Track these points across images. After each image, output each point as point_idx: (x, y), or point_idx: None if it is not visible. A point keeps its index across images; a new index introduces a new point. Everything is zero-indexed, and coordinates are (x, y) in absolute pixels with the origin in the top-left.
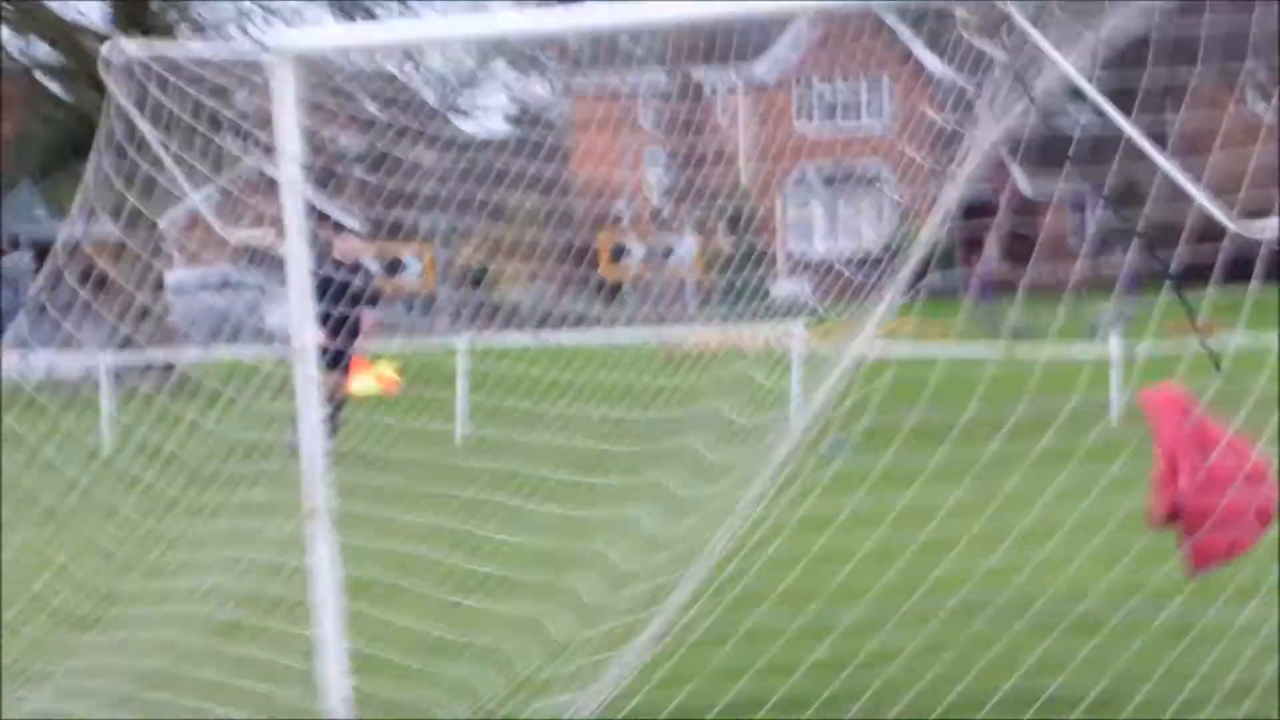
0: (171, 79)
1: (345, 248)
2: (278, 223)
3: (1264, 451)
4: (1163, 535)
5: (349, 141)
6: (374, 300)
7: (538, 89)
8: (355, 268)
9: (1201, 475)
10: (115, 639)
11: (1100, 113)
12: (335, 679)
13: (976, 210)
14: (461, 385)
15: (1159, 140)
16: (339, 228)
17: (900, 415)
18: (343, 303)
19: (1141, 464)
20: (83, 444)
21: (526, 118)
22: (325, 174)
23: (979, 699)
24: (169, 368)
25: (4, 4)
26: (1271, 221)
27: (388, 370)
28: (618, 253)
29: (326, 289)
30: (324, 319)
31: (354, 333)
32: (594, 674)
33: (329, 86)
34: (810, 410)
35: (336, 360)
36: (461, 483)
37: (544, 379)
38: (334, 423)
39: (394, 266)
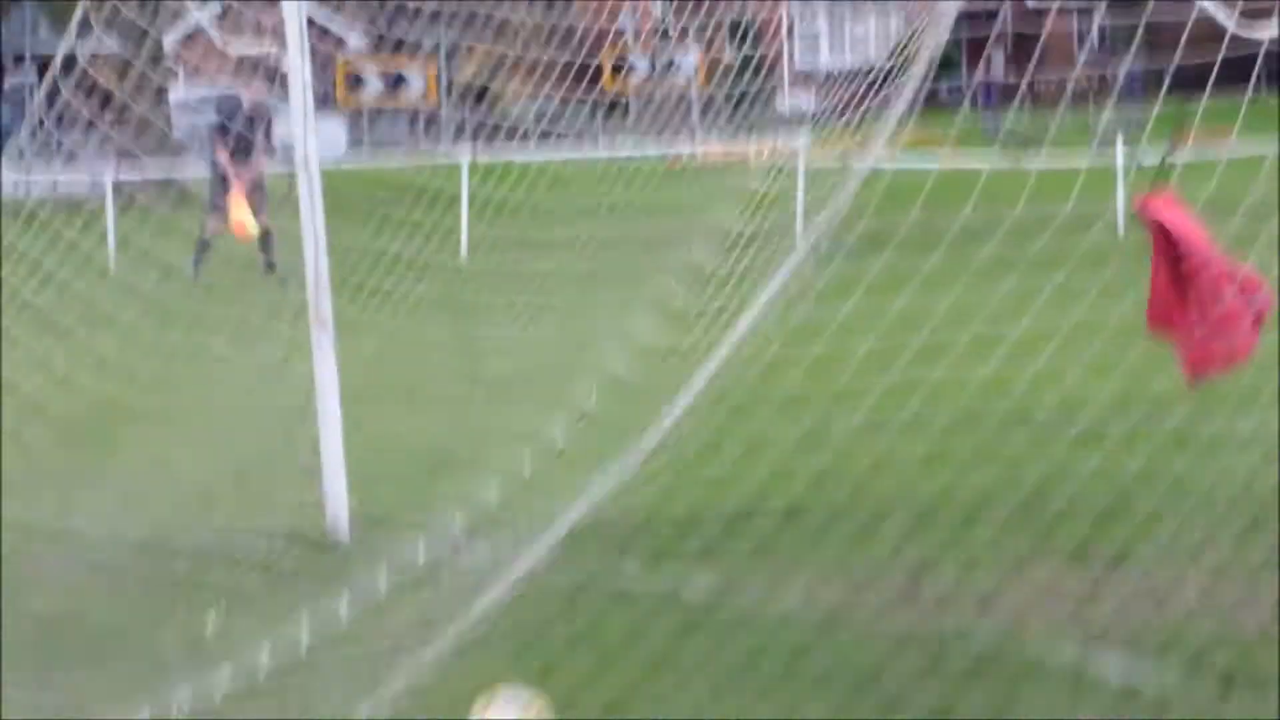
0: None
1: (252, 94)
2: (278, 36)
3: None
4: (1161, 343)
5: None
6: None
7: None
8: (259, 113)
9: (1198, 283)
10: (116, 453)
11: None
12: (336, 488)
13: (979, 15)
14: (464, 202)
15: None
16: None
17: (896, 220)
18: (242, 146)
19: (1141, 270)
20: (86, 258)
21: None
22: None
23: (982, 512)
24: (171, 183)
25: None
26: (1271, 23)
27: (247, 219)
28: (620, 68)
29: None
30: (230, 151)
31: (249, 169)
32: (592, 482)
33: None
34: (819, 224)
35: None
36: (465, 297)
37: (546, 195)
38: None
39: (396, 81)
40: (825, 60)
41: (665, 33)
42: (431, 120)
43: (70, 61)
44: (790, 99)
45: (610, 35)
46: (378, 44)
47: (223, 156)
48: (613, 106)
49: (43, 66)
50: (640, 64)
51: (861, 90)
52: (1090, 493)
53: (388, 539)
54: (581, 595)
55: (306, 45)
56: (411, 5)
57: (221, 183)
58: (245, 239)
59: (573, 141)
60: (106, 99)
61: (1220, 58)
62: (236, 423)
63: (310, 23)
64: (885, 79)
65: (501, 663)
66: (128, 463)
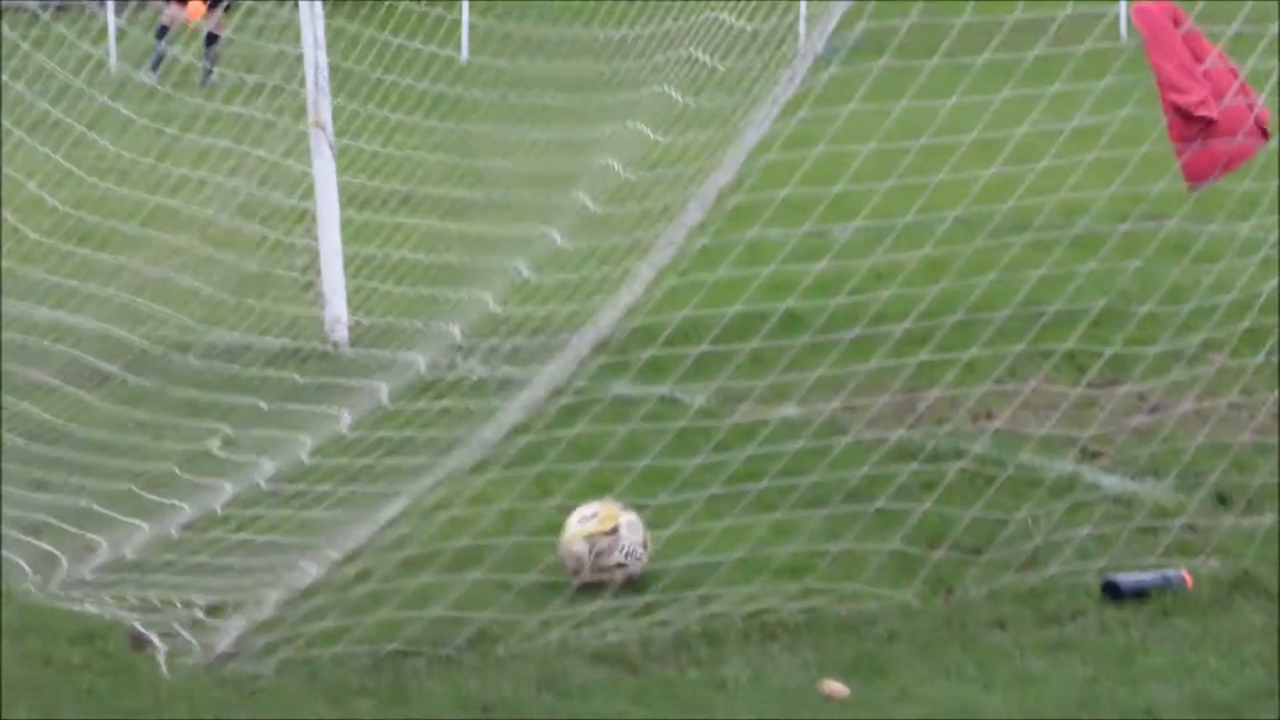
0: None
1: None
2: None
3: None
4: (1162, 147)
5: None
6: None
7: None
8: None
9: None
10: (114, 253)
11: None
12: (334, 290)
13: None
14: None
15: None
16: None
17: (895, 22)
18: None
19: (1142, 75)
20: (85, 56)
21: None
22: None
23: (981, 319)
24: None
25: None
26: None
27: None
28: None
29: None
30: None
31: None
32: (605, 295)
33: None
34: (822, 28)
35: None
36: (464, 100)
37: None
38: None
39: None
40: None
41: None
42: None
43: None
44: None
45: None
46: None
47: None
48: None
49: None
50: None
51: None
52: (1088, 298)
53: (386, 346)
54: (578, 406)
55: None
56: None
57: None
58: (195, 16)
59: None
60: None
61: None
62: (237, 221)
63: None
64: None
65: (499, 475)
66: (128, 263)
